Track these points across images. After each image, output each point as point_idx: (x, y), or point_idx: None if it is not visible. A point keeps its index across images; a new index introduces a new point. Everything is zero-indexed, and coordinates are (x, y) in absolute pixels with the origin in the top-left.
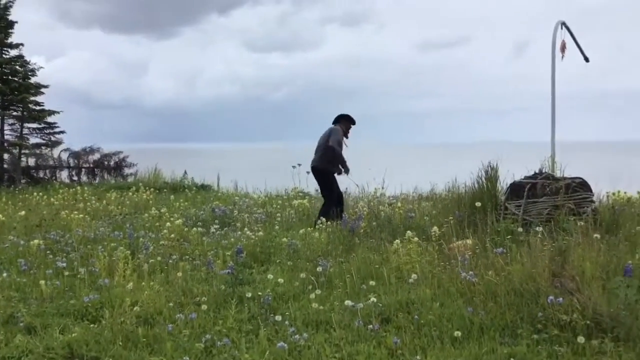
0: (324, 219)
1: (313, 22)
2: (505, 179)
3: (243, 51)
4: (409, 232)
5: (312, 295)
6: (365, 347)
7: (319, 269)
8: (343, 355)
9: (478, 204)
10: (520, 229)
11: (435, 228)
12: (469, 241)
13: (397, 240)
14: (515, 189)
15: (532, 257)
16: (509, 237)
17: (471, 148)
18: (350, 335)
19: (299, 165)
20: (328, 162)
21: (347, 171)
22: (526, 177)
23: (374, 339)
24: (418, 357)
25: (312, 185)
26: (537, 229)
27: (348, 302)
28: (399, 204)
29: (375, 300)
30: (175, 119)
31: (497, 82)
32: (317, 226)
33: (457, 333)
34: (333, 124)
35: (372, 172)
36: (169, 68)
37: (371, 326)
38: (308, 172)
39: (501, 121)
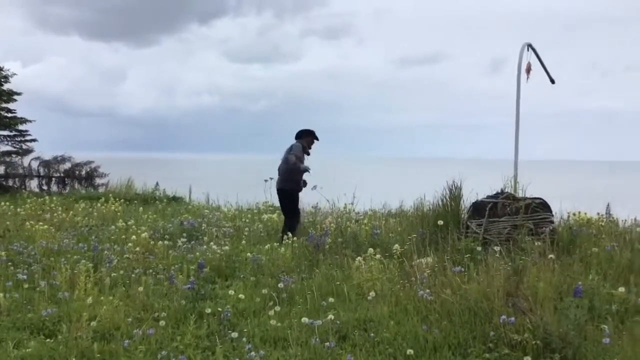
0: (290, 235)
1: (293, 34)
2: (469, 198)
3: (223, 61)
4: (371, 249)
5: (272, 312)
6: None
7: (281, 285)
8: None
9: (440, 222)
10: (479, 248)
11: (396, 245)
12: (430, 259)
13: (360, 257)
14: (477, 208)
15: (488, 277)
16: (468, 255)
17: (445, 163)
18: (306, 352)
19: (271, 179)
20: (293, 181)
21: (307, 170)
22: (488, 197)
23: (330, 356)
24: None
25: None
26: (495, 248)
27: (305, 320)
28: (366, 220)
29: (333, 317)
30: (153, 128)
31: (473, 99)
32: (283, 242)
33: (410, 351)
34: (296, 139)
35: (344, 187)
36: (147, 76)
37: (328, 344)
38: None
39: (475, 137)
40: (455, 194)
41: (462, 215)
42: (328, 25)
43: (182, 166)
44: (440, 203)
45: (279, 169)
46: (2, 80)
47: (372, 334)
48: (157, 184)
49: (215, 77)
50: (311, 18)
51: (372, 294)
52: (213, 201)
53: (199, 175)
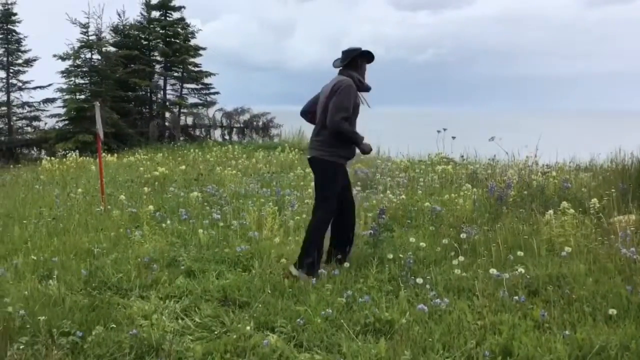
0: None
1: None
2: None
3: (389, 10)
4: (564, 203)
5: (455, 262)
6: (510, 317)
7: (463, 235)
8: (485, 324)
9: None
10: None
11: (594, 200)
12: (633, 216)
13: (550, 211)
14: None
15: None
16: None
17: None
18: (494, 304)
19: (444, 130)
20: (333, 146)
21: (366, 150)
22: None
23: (519, 310)
24: (567, 331)
25: (457, 151)
26: None
27: (493, 271)
28: (554, 174)
29: (522, 271)
30: (320, 81)
31: None
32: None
33: (612, 311)
34: (343, 67)
35: (524, 140)
36: (314, 29)
37: (517, 297)
38: (453, 137)
39: None
40: None
41: None
42: None
43: None
44: None
45: (316, 122)
46: (189, 36)
47: (566, 291)
48: None
49: (380, 26)
50: None
51: (568, 249)
52: (384, 152)
53: (365, 128)
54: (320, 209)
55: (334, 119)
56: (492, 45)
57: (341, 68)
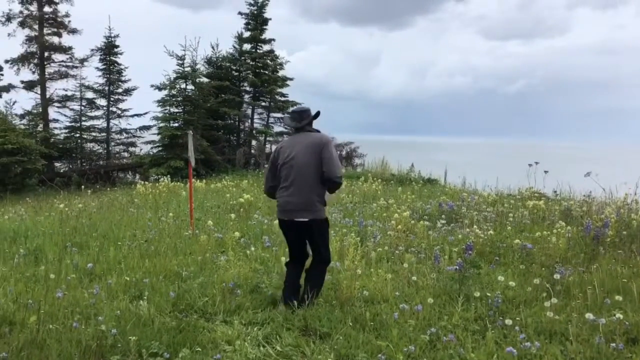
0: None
1: (559, 6)
2: None
3: (478, 40)
4: None
5: (547, 303)
6: None
7: (557, 276)
8: None
9: None
10: None
11: None
12: None
13: None
14: None
15: None
16: None
17: None
18: (588, 351)
19: (536, 163)
20: (323, 203)
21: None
22: None
23: (617, 358)
24: None
25: (549, 186)
26: None
27: (589, 315)
28: None
29: (621, 317)
30: (403, 111)
31: None
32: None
33: None
34: (304, 125)
35: (623, 176)
36: (400, 59)
37: (614, 344)
38: (546, 171)
39: None
40: None
41: None
42: None
43: (433, 149)
44: None
45: (292, 182)
46: (278, 67)
47: None
48: (412, 165)
49: (469, 56)
50: None
51: None
52: (469, 185)
53: (451, 159)
54: (324, 262)
55: (339, 174)
56: (587, 76)
57: (302, 127)
